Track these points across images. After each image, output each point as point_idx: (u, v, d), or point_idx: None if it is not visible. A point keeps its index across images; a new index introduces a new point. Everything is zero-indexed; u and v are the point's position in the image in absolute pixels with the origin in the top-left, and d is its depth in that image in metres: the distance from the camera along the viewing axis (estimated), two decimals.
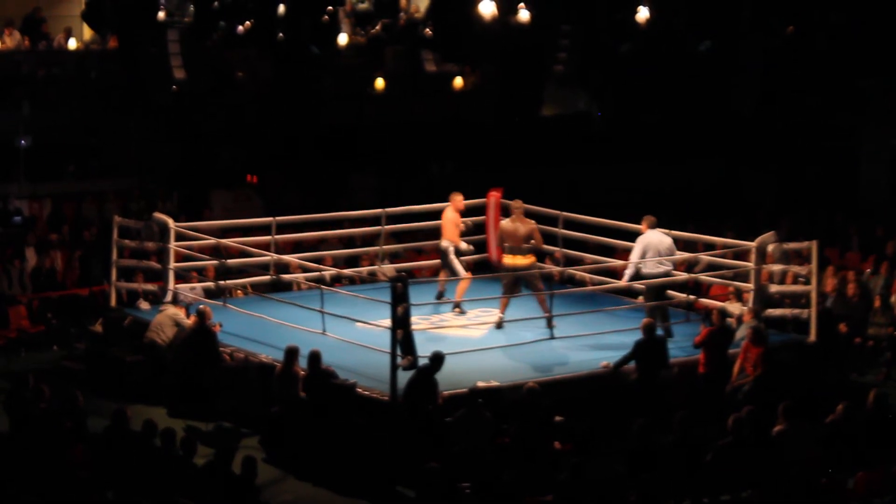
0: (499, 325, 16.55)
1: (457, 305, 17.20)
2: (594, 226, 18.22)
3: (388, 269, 18.64)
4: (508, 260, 16.59)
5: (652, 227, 16.68)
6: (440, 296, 17.48)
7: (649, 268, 16.55)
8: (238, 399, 15.14)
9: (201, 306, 15.77)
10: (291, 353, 14.22)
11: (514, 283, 16.69)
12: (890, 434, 13.02)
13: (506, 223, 16.68)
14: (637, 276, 16.60)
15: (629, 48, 25.57)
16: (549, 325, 16.36)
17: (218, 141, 24.47)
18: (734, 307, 16.83)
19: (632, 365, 14.78)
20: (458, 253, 17.27)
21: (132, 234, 18.22)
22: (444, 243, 17.23)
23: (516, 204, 16.83)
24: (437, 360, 13.75)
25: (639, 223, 17.72)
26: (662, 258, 16.47)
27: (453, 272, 17.14)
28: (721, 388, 15.01)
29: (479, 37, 24.35)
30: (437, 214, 19.00)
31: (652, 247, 16.56)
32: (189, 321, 16.01)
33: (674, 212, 21.91)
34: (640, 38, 25.23)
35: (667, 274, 16.61)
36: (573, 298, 17.57)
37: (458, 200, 17.30)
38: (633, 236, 17.89)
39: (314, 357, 14.08)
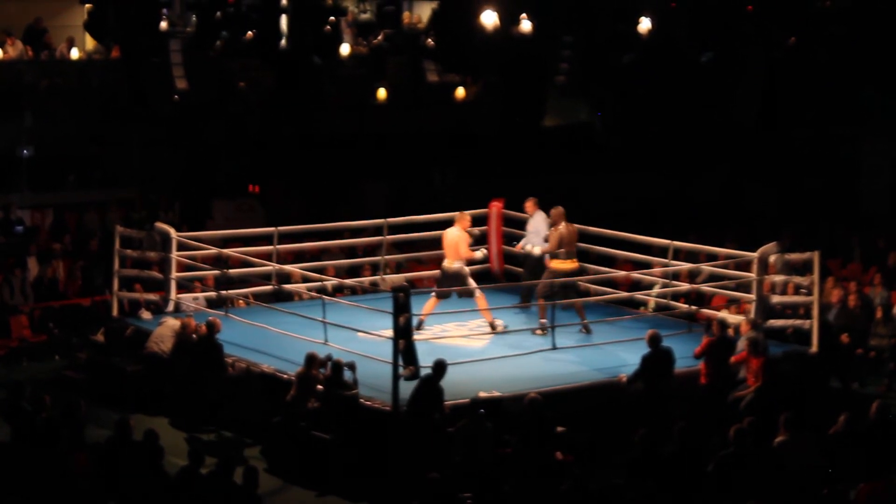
0: (543, 331, 16.55)
1: (493, 326, 16.80)
2: (596, 236, 18.21)
3: (394, 278, 18.64)
4: (568, 265, 16.70)
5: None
6: (493, 327, 16.81)
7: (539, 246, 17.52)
8: (240, 409, 15.14)
9: (210, 318, 15.77)
10: (311, 360, 14.25)
11: (566, 288, 16.77)
12: (892, 445, 13.02)
13: (563, 229, 16.70)
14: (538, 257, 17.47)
15: (631, 59, 25.59)
16: (588, 331, 16.62)
17: (220, 151, 24.48)
18: (733, 318, 16.84)
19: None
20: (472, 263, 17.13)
21: (134, 243, 18.23)
22: (457, 265, 16.60)
23: (560, 210, 16.85)
24: (440, 368, 13.75)
25: (641, 234, 17.80)
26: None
27: (470, 292, 16.69)
28: (722, 399, 15.01)
29: (482, 47, 24.35)
30: (439, 224, 19.02)
31: (543, 227, 17.44)
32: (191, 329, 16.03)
33: (675, 222, 21.93)
34: (641, 49, 25.26)
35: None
36: (575, 308, 17.55)
37: (467, 220, 16.93)
38: (634, 247, 17.96)
39: (338, 366, 14.06)
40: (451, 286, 16.66)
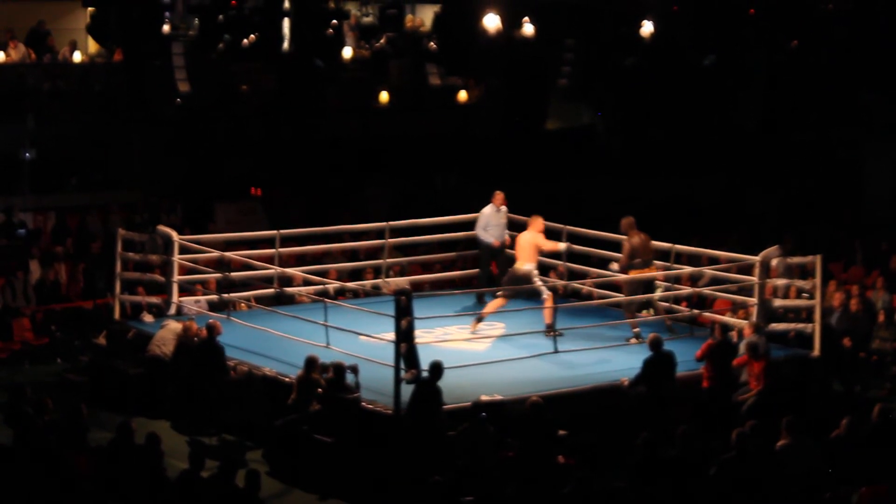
0: (638, 337, 16.56)
1: (550, 328, 16.66)
2: (598, 239, 18.22)
3: (399, 281, 18.62)
4: (644, 273, 16.78)
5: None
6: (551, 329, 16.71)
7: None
8: (242, 412, 15.14)
9: (211, 321, 15.76)
10: (311, 363, 14.27)
11: (638, 293, 16.90)
12: (894, 448, 13.01)
13: (636, 240, 16.69)
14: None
15: (633, 62, 25.61)
16: (638, 338, 16.56)
17: (222, 154, 24.50)
18: (735, 321, 16.83)
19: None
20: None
21: (136, 246, 18.24)
22: (527, 267, 16.65)
23: (630, 220, 16.84)
24: (436, 370, 13.73)
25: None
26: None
27: (539, 292, 16.68)
28: (724, 403, 15.00)
29: (484, 50, 24.40)
30: (441, 228, 19.06)
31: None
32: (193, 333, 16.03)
33: (677, 225, 21.93)
34: (644, 53, 25.29)
35: None
36: (577, 312, 17.56)
37: (540, 222, 16.99)
38: None
39: (340, 369, 14.06)
40: (519, 288, 16.80)
